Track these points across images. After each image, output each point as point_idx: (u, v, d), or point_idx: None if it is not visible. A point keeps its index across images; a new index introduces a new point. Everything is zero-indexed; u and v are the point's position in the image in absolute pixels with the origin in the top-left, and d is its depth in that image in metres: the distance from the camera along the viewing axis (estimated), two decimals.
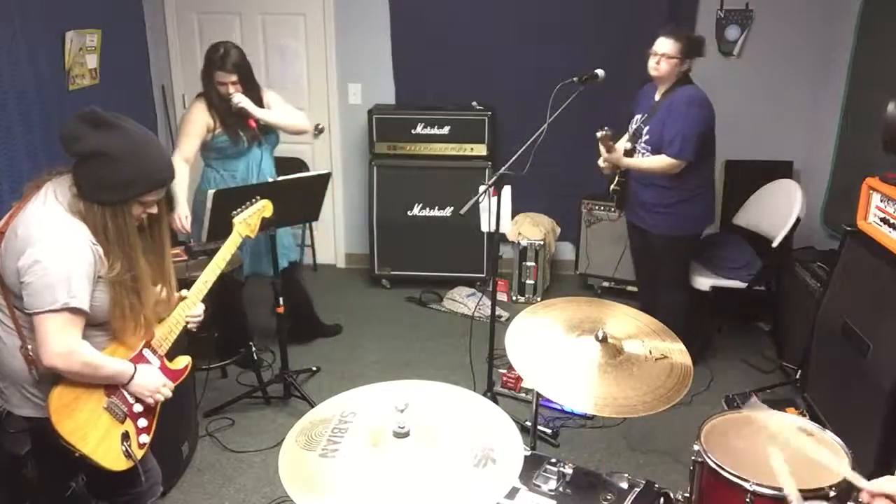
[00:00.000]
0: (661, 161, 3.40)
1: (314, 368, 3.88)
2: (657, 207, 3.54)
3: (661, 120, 3.41)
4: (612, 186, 3.74)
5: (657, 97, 3.50)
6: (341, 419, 1.75)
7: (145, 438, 2.16)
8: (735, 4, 4.61)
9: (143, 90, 4.95)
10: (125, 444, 2.07)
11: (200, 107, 3.55)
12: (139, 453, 2.12)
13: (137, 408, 2.12)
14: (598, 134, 3.46)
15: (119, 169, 1.88)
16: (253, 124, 3.55)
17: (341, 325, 4.37)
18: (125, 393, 2.08)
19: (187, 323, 2.30)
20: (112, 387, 2.05)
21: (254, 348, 3.73)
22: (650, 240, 3.66)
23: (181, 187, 3.46)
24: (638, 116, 3.59)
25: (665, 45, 3.36)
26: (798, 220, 3.76)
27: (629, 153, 3.53)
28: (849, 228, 3.13)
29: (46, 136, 3.57)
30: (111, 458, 2.03)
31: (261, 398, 3.58)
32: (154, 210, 2.04)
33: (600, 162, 3.63)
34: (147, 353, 2.17)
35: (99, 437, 2.00)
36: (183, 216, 3.47)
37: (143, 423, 2.14)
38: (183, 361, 2.30)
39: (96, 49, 4.18)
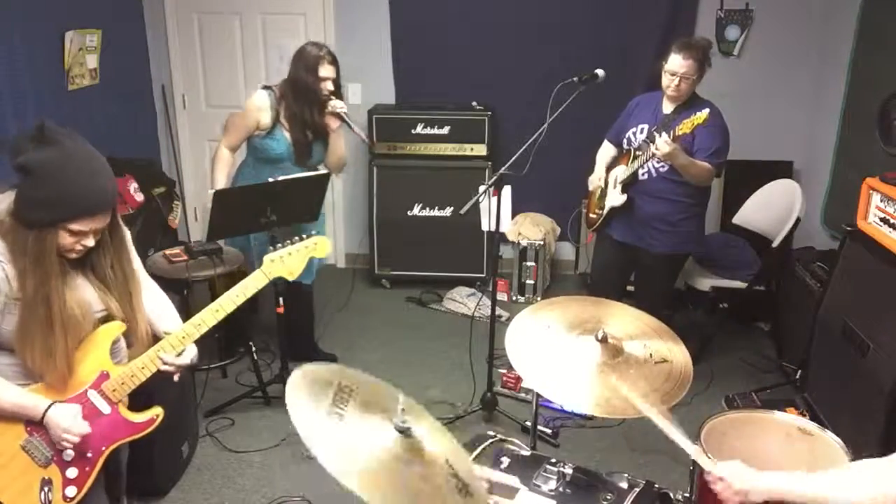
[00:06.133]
0: (705, 167, 3.26)
1: None
2: (663, 224, 3.41)
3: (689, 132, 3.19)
4: (592, 211, 3.69)
5: (667, 110, 3.36)
6: (341, 387, 1.56)
7: (72, 491, 1.88)
8: (735, 4, 4.61)
9: (143, 90, 4.95)
10: (45, 490, 1.83)
11: (264, 101, 3.38)
12: None
13: (68, 454, 1.87)
14: (591, 187, 3.64)
15: (38, 187, 1.70)
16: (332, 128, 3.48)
17: (336, 355, 4.04)
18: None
19: (162, 368, 1.97)
20: (36, 425, 1.83)
21: (254, 348, 3.73)
22: (641, 258, 3.52)
23: (221, 170, 3.43)
24: (644, 126, 3.40)
25: (685, 66, 3.20)
26: (798, 220, 3.76)
27: (633, 160, 3.39)
28: (849, 228, 3.13)
29: None
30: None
31: (261, 398, 3.58)
32: (89, 243, 1.79)
33: (594, 178, 3.64)
34: (93, 395, 1.90)
35: (9, 477, 1.80)
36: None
37: (72, 472, 1.88)
38: (149, 413, 2.00)
39: (96, 49, 4.18)
